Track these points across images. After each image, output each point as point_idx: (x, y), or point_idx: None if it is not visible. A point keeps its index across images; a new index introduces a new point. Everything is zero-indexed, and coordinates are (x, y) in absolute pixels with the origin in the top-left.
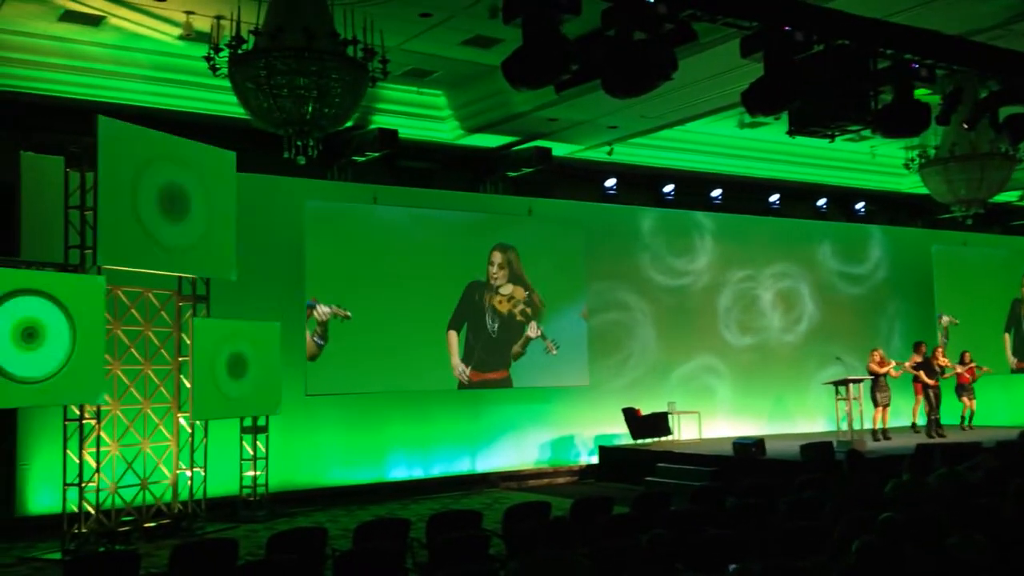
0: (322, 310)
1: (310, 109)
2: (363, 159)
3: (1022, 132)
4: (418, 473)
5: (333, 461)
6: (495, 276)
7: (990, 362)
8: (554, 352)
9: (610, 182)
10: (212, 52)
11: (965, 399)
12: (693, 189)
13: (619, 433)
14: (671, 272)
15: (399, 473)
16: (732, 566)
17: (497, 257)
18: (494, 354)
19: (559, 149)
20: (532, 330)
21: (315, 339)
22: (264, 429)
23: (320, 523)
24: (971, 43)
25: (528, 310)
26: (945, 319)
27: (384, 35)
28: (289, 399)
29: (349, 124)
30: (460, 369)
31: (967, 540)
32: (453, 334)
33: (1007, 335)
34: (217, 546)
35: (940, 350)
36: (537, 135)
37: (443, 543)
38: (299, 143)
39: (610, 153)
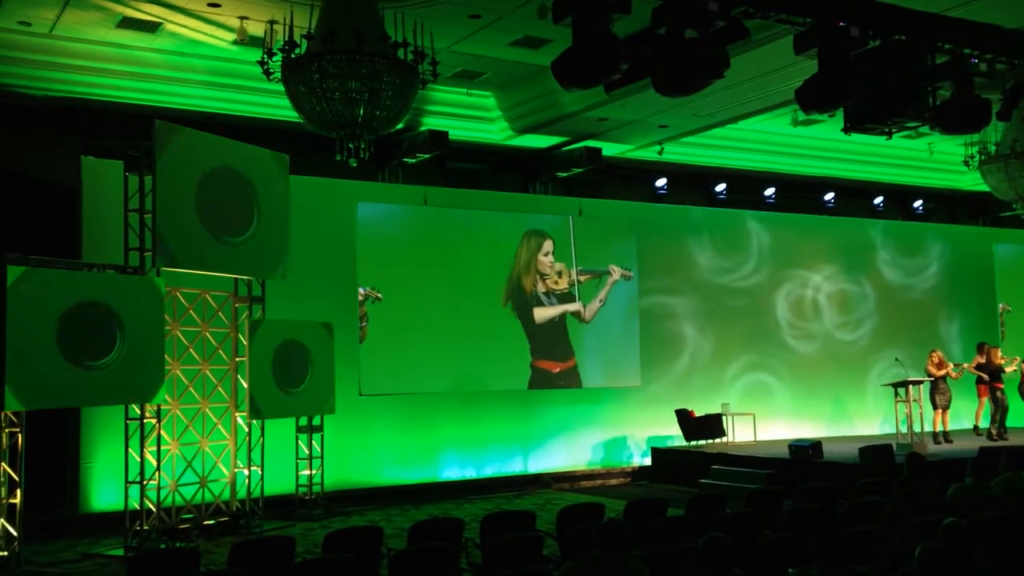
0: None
1: (362, 112)
2: (414, 160)
3: None
4: (471, 473)
5: (387, 460)
6: (550, 264)
7: None
8: (630, 276)
9: (661, 182)
10: (266, 57)
11: None
12: (745, 188)
13: (672, 435)
14: (723, 272)
15: (452, 473)
16: (791, 570)
17: (548, 245)
18: (559, 344)
19: (609, 149)
20: (615, 273)
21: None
22: (319, 428)
23: (375, 522)
24: None
25: (582, 277)
26: (1001, 306)
27: (434, 37)
28: (343, 399)
29: (400, 126)
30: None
31: None
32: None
33: None
34: (274, 544)
35: (998, 351)
36: (587, 135)
37: (497, 543)
38: (351, 145)
39: (660, 152)
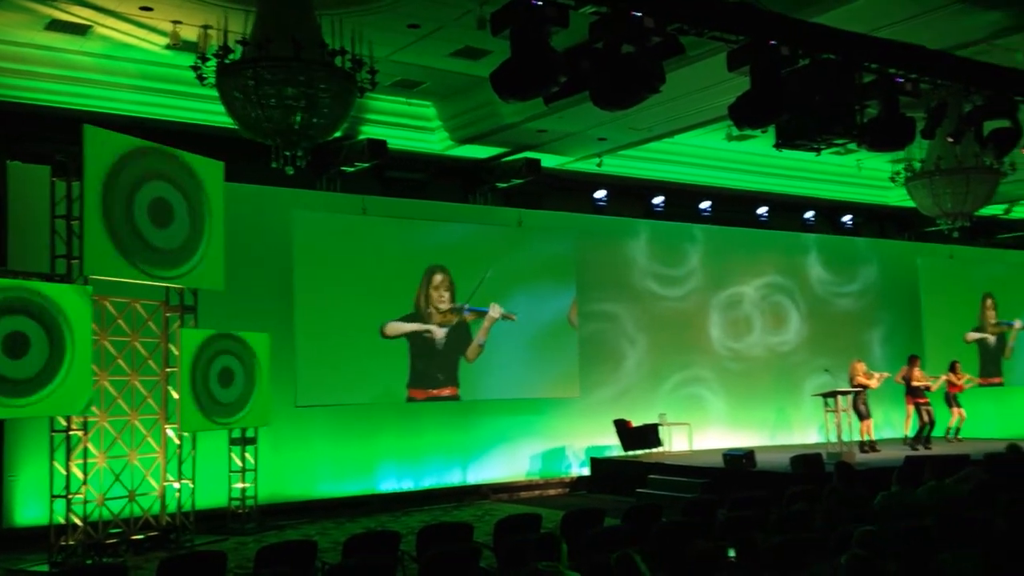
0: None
1: (298, 119)
2: (352, 169)
3: (1006, 145)
4: (408, 485)
5: (323, 473)
6: (440, 299)
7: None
8: (513, 318)
9: (600, 194)
10: (199, 61)
11: (954, 409)
12: (683, 201)
13: (610, 444)
14: (661, 283)
15: (389, 485)
16: None
17: (439, 278)
18: (445, 369)
19: (549, 160)
20: (494, 311)
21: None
22: (253, 441)
23: (310, 536)
24: (955, 57)
25: (468, 316)
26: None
27: (373, 46)
28: (279, 410)
29: (338, 134)
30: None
31: (958, 556)
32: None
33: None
34: (205, 559)
35: (917, 370)
36: (527, 146)
37: (433, 556)
38: (287, 153)
39: (599, 165)
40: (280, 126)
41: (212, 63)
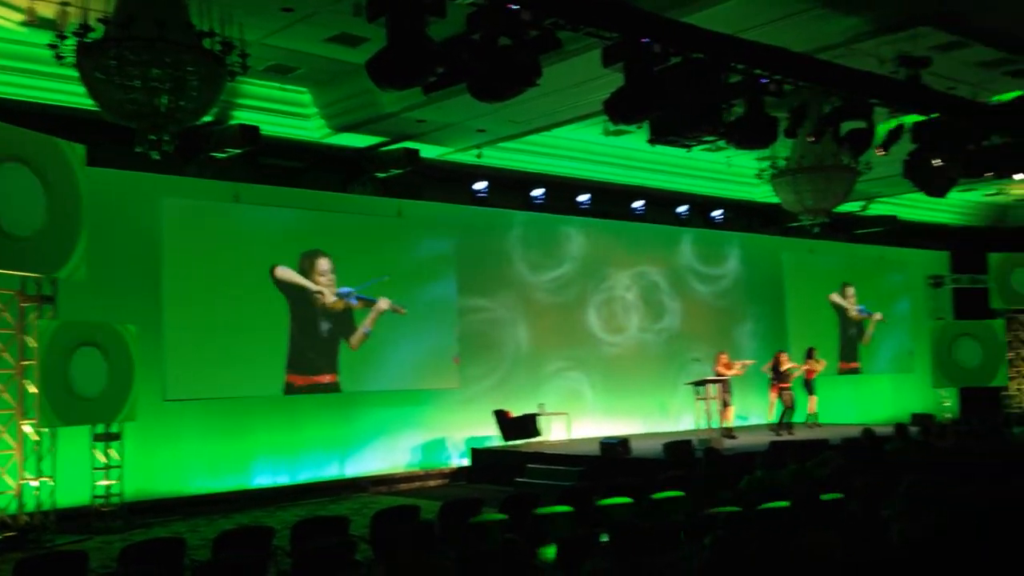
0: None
1: (164, 101)
2: (223, 155)
3: (862, 145)
4: (284, 479)
5: (194, 468)
6: (327, 283)
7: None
8: (403, 312)
9: (480, 185)
10: (57, 40)
11: (811, 396)
12: (561, 194)
13: (491, 435)
14: (540, 275)
15: (264, 480)
16: (587, 564)
17: (325, 264)
18: (327, 355)
19: (428, 151)
20: (382, 302)
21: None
22: (118, 436)
23: (179, 533)
24: (816, 60)
25: (356, 304)
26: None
27: (244, 29)
28: (146, 405)
29: (208, 119)
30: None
31: (816, 535)
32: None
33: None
34: (65, 559)
35: (785, 355)
36: (406, 136)
37: (308, 550)
38: (152, 137)
39: (479, 156)
40: (144, 109)
41: (71, 41)
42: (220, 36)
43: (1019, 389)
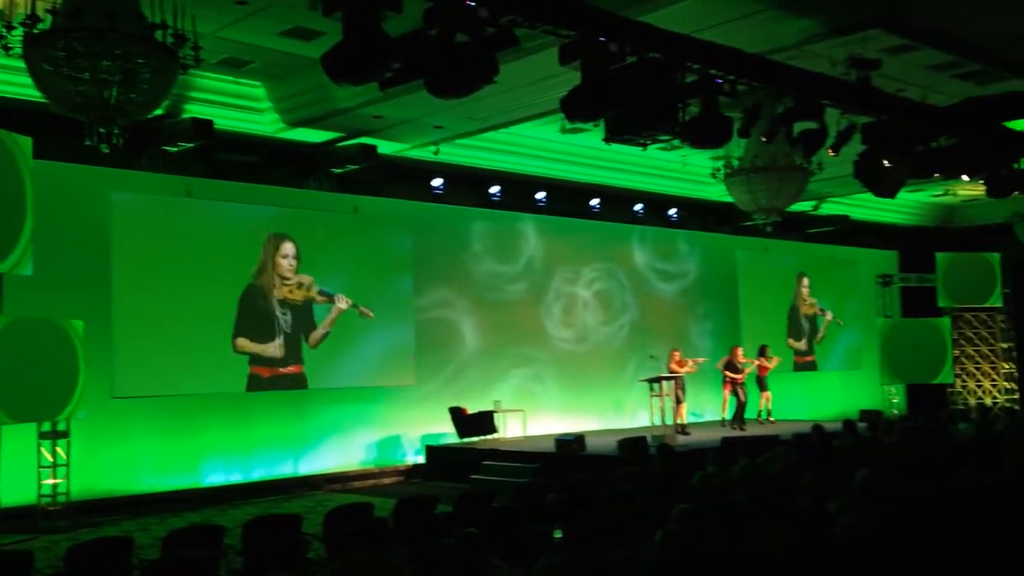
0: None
1: (114, 94)
2: (176, 149)
3: (814, 146)
4: (237, 478)
5: (145, 467)
6: (289, 267)
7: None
8: (370, 315)
9: (437, 182)
10: (4, 30)
11: (764, 392)
12: (519, 191)
13: (446, 432)
14: (498, 272)
15: (216, 478)
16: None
17: (290, 248)
18: (290, 349)
19: (385, 147)
20: (342, 302)
21: None
22: (65, 434)
23: (128, 532)
24: (769, 61)
25: (319, 296)
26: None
27: (197, 21)
28: (94, 402)
29: (160, 112)
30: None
31: (765, 529)
32: (244, 341)
33: (791, 339)
34: (8, 559)
35: (739, 350)
36: (362, 132)
37: (259, 549)
38: (102, 130)
39: (436, 153)
40: (93, 101)
41: (19, 32)
42: (172, 28)
43: (964, 386)
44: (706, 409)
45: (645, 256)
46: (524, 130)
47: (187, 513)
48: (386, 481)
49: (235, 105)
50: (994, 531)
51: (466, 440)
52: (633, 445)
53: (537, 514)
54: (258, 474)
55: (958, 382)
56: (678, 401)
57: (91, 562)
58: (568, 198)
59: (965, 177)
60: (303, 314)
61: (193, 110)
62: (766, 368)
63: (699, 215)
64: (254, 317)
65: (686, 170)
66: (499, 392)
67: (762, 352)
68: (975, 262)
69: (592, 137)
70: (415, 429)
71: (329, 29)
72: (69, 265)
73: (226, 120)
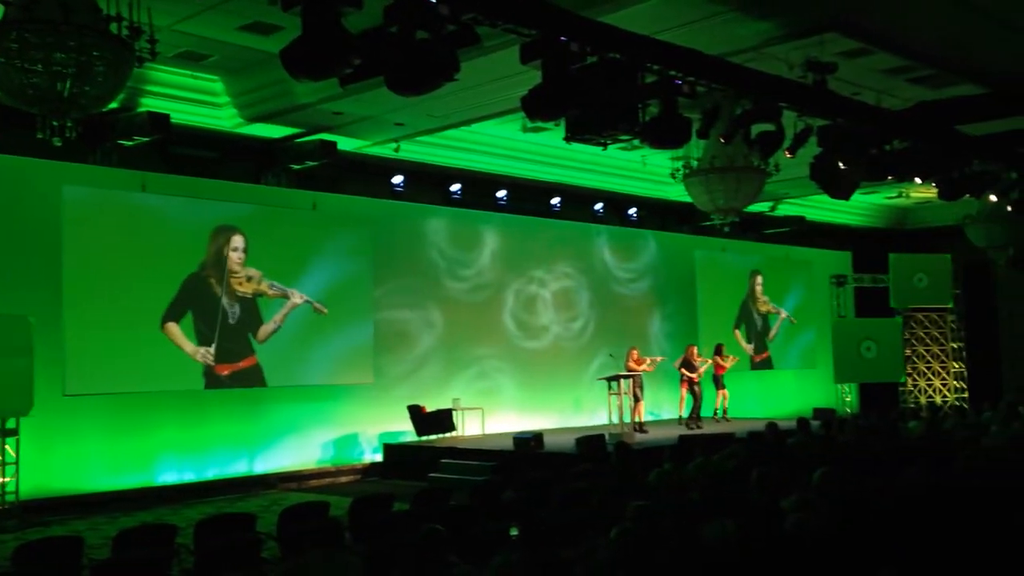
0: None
1: (68, 86)
2: (131, 143)
3: (771, 147)
4: (190, 477)
5: (96, 465)
6: (238, 260)
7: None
8: (324, 312)
9: (397, 179)
10: None
11: (720, 391)
12: (479, 189)
13: (404, 430)
14: (457, 270)
15: (169, 477)
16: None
17: (239, 241)
18: (238, 342)
19: (345, 143)
20: (296, 297)
21: None
22: (14, 432)
23: (78, 532)
24: (728, 63)
25: (270, 290)
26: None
27: (153, 14)
28: (44, 400)
29: (115, 105)
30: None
31: (717, 525)
32: (173, 326)
33: (737, 331)
34: None
35: (695, 349)
36: (322, 128)
37: (212, 548)
38: (55, 123)
39: (397, 150)
40: (46, 94)
41: None
42: (128, 21)
43: (915, 385)
44: (664, 408)
45: (605, 255)
46: (485, 128)
47: (139, 513)
48: (343, 480)
49: (192, 99)
50: (942, 528)
51: (424, 438)
52: (590, 443)
53: (494, 512)
54: (212, 473)
55: (909, 381)
56: (636, 399)
57: (39, 562)
58: (529, 197)
59: (918, 180)
60: (251, 308)
61: (150, 104)
62: (723, 367)
63: (659, 215)
64: (194, 306)
65: (646, 170)
66: (458, 390)
67: (718, 351)
68: (927, 263)
69: (553, 136)
70: (373, 427)
71: (288, 24)
72: (20, 259)
73: (183, 114)
